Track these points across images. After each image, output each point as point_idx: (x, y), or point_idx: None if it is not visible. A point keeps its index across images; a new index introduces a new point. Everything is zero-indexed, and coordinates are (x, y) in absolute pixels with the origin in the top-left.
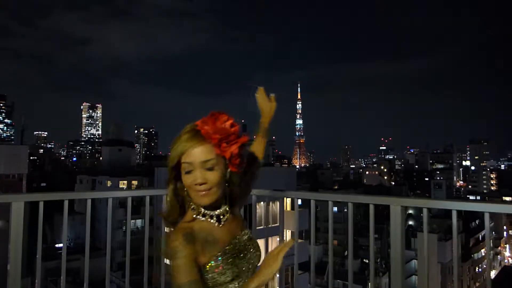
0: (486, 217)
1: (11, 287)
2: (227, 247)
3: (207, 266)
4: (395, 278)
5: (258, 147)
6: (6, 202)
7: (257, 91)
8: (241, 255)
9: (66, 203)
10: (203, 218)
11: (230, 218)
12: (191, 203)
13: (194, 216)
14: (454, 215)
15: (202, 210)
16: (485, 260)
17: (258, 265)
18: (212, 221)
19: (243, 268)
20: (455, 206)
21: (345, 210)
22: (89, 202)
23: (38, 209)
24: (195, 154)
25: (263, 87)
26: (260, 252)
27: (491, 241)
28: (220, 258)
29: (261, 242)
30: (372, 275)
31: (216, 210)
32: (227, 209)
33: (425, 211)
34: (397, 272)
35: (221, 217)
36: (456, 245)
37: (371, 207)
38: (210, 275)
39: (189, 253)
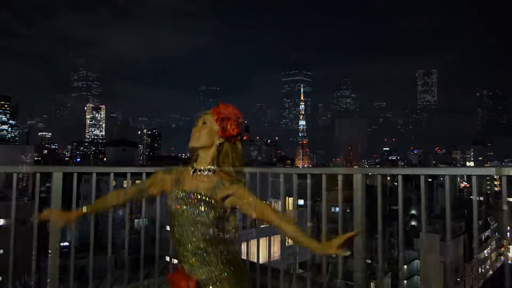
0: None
1: (52, 247)
2: (180, 188)
3: (167, 192)
4: (358, 236)
5: (286, 226)
6: (48, 172)
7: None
8: (185, 206)
9: (94, 176)
10: (190, 167)
11: (205, 177)
12: None
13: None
14: (399, 179)
15: (194, 164)
16: (488, 261)
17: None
18: (190, 169)
19: (181, 216)
20: (400, 171)
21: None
22: (111, 176)
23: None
24: (203, 117)
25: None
26: (193, 214)
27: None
28: (168, 192)
29: (264, 241)
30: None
31: (201, 165)
32: (204, 168)
33: (378, 177)
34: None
35: (196, 170)
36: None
37: (340, 177)
38: (168, 201)
39: (156, 175)
